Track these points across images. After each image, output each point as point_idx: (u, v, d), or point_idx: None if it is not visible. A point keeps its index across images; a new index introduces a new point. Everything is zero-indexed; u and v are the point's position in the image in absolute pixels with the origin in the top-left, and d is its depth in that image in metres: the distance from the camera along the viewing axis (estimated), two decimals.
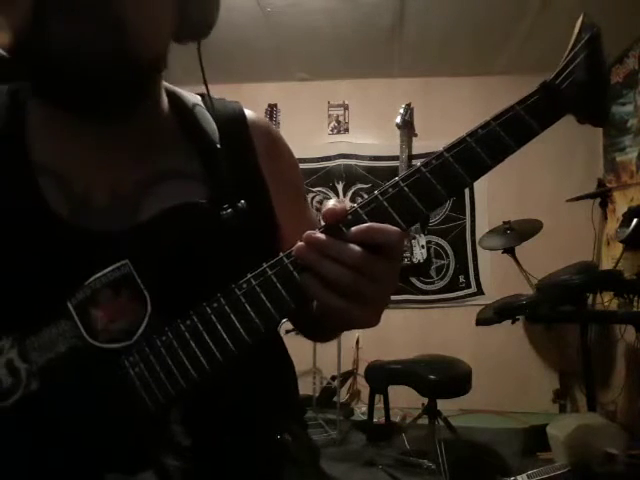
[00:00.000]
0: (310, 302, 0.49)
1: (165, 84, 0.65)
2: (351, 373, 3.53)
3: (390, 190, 0.49)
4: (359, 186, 3.71)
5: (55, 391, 0.48)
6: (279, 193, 0.66)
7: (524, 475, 2.07)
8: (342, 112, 3.79)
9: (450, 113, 3.59)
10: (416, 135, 3.65)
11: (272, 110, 3.55)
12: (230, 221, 0.54)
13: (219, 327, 0.48)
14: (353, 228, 0.47)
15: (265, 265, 0.49)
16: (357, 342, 3.46)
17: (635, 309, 2.49)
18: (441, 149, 0.50)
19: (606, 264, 3.22)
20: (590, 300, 2.85)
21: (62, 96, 0.52)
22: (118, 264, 0.49)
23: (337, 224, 0.47)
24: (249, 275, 0.49)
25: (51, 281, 0.50)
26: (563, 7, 2.62)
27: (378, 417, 3.00)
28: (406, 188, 0.48)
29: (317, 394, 3.30)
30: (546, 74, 0.52)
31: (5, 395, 0.47)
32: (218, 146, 0.62)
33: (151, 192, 0.58)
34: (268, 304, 0.48)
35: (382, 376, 2.73)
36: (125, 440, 0.48)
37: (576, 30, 0.53)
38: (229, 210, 0.54)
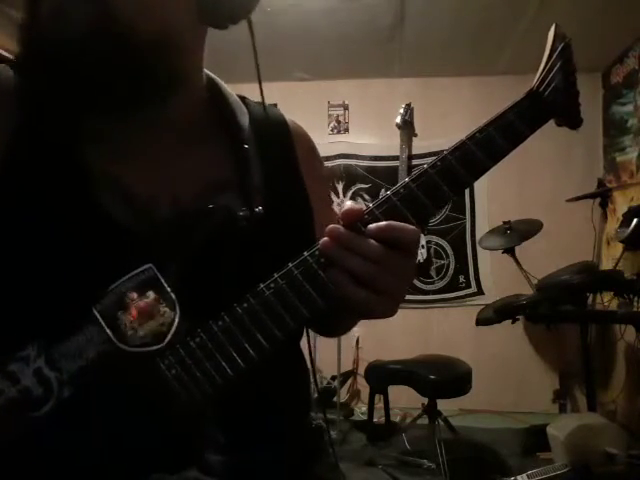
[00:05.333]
0: (335, 298, 0.51)
1: (205, 71, 0.66)
2: (351, 373, 3.53)
3: (401, 191, 0.52)
4: (359, 186, 3.71)
5: (91, 397, 0.47)
6: (314, 192, 0.70)
7: (524, 475, 2.07)
8: (342, 112, 3.79)
9: (450, 113, 3.58)
10: (416, 135, 3.64)
11: None
12: (247, 227, 0.55)
13: (251, 326, 0.50)
14: (373, 225, 0.49)
15: (290, 265, 0.51)
16: (357, 342, 3.45)
17: (635, 309, 2.49)
18: (444, 151, 0.53)
19: (606, 264, 3.22)
20: (590, 300, 2.86)
21: (63, 79, 0.51)
22: (142, 268, 0.49)
23: (355, 223, 0.50)
24: (275, 275, 0.50)
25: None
26: (561, 7, 2.62)
27: (378, 417, 3.00)
28: (416, 188, 0.52)
29: (317, 394, 3.30)
30: None
31: (37, 405, 0.46)
32: (246, 146, 0.63)
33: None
34: (297, 302, 0.50)
35: (382, 376, 2.73)
36: (168, 440, 0.49)
37: (550, 39, 0.57)
38: (247, 215, 0.56)
